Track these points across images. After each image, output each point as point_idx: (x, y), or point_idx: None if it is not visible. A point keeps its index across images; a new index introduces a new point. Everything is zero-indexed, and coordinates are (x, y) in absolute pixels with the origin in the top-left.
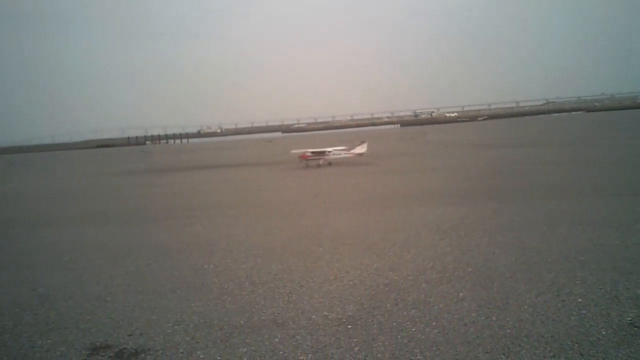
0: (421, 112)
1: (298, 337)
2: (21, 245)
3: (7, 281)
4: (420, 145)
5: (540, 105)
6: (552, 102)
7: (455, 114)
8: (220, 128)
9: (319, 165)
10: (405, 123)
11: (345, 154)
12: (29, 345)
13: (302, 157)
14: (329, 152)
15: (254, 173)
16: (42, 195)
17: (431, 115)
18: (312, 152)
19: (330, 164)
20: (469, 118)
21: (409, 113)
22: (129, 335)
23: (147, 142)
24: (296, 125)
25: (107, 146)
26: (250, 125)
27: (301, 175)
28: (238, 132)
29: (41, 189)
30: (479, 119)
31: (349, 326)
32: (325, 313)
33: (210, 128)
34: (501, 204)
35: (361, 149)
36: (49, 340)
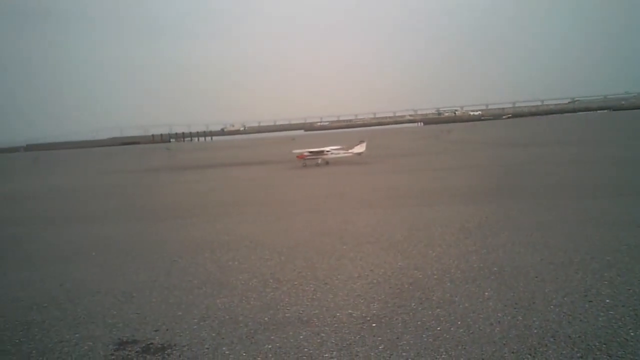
0: (444, 110)
1: (323, 334)
2: (49, 241)
3: (36, 276)
4: (444, 143)
5: (566, 103)
6: (578, 100)
7: (479, 112)
8: (244, 126)
9: (317, 165)
10: (428, 121)
11: (344, 153)
12: (58, 339)
13: (300, 157)
14: (327, 151)
15: (277, 170)
16: (69, 191)
17: (455, 113)
18: (310, 152)
19: (327, 163)
20: (493, 116)
21: (432, 111)
22: (155, 331)
23: (171, 140)
24: (319, 124)
25: (132, 144)
26: (273, 124)
27: (322, 173)
28: (261, 130)
29: (67, 185)
30: (503, 117)
31: (374, 324)
32: (350, 311)
33: (233, 126)
34: (527, 202)
35: (360, 148)
36: (76, 335)
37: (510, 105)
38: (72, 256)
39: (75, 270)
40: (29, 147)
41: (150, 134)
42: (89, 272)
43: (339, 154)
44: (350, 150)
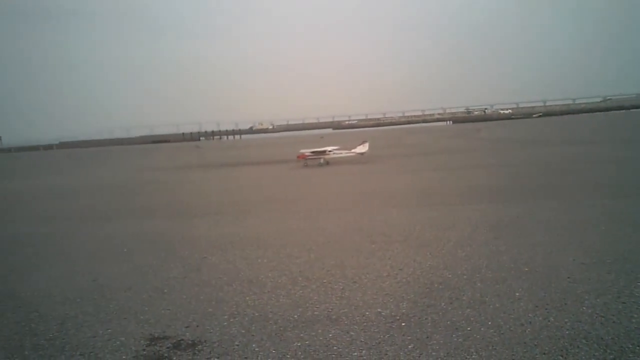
0: (474, 109)
1: (352, 333)
2: (83, 237)
3: (70, 272)
4: (473, 141)
5: (598, 102)
6: (610, 99)
7: (509, 110)
8: (272, 125)
9: (320, 165)
10: (457, 120)
11: (346, 153)
12: (91, 334)
13: (301, 157)
14: (329, 151)
15: (306, 168)
16: (100, 189)
17: (484, 112)
18: (312, 152)
19: (327, 163)
20: (523, 115)
21: (462, 110)
22: (186, 327)
23: (200, 138)
24: (347, 122)
25: (163, 142)
26: (301, 122)
27: (351, 171)
28: (289, 128)
29: (100, 182)
30: (534, 115)
31: (403, 323)
32: (379, 310)
33: (262, 125)
34: (558, 202)
35: (362, 148)
36: (109, 330)
37: (541, 104)
38: (104, 252)
39: (108, 266)
40: (62, 145)
41: (180, 132)
42: (121, 268)
43: (340, 154)
44: (353, 150)
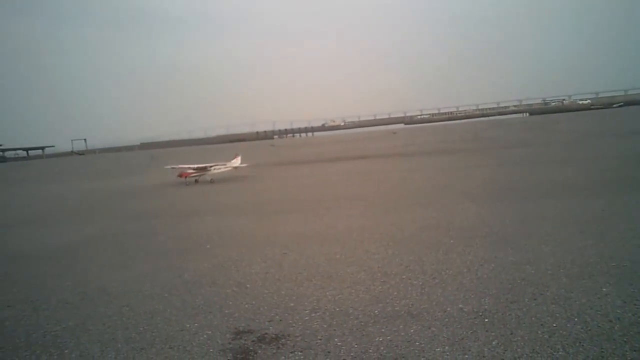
0: (551, 100)
1: (433, 328)
2: (169, 235)
3: (158, 268)
4: (552, 134)
5: None
6: None
7: (588, 100)
8: (344, 121)
9: (196, 182)
10: (534, 111)
11: (224, 168)
12: (179, 328)
13: (184, 175)
14: (210, 167)
15: (379, 165)
16: (179, 188)
17: (562, 102)
18: (194, 169)
19: (212, 180)
20: (603, 105)
21: (538, 101)
22: (269, 321)
23: (274, 137)
24: (419, 117)
25: (238, 140)
26: (372, 118)
27: (429, 166)
28: (361, 124)
29: (180, 181)
30: (614, 105)
31: (486, 320)
32: (461, 306)
33: (334, 121)
34: None
35: (236, 162)
36: (195, 324)
37: (622, 93)
38: (189, 249)
39: (193, 262)
40: (143, 146)
41: (255, 130)
42: (205, 264)
43: (220, 169)
44: (228, 164)
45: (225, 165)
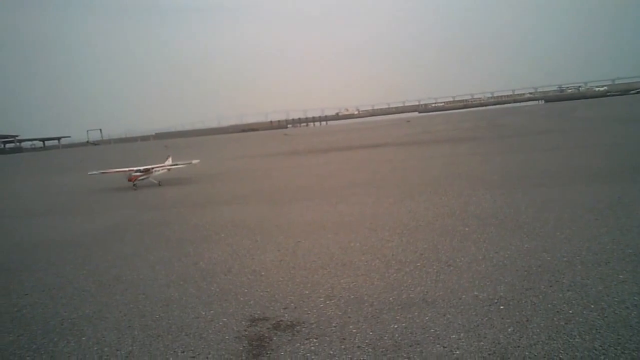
0: (567, 87)
1: (449, 315)
2: (185, 223)
3: (173, 256)
4: (568, 121)
5: None
6: None
7: (605, 87)
8: (358, 110)
9: (134, 186)
10: (550, 99)
11: (161, 170)
12: (194, 315)
13: (132, 179)
14: (153, 169)
15: (393, 153)
16: (192, 178)
17: (579, 89)
18: (141, 171)
19: (159, 184)
20: (620, 92)
21: (554, 88)
22: (284, 309)
23: (288, 126)
24: (434, 105)
25: (252, 130)
26: (386, 106)
27: (438, 154)
28: (375, 113)
29: (194, 171)
30: (632, 92)
31: (501, 307)
32: (476, 293)
33: (348, 110)
34: None
35: (168, 162)
36: (211, 312)
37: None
38: (203, 237)
39: (208, 250)
40: (158, 135)
41: (268, 120)
42: (220, 252)
43: (159, 170)
44: (163, 166)
45: (163, 166)
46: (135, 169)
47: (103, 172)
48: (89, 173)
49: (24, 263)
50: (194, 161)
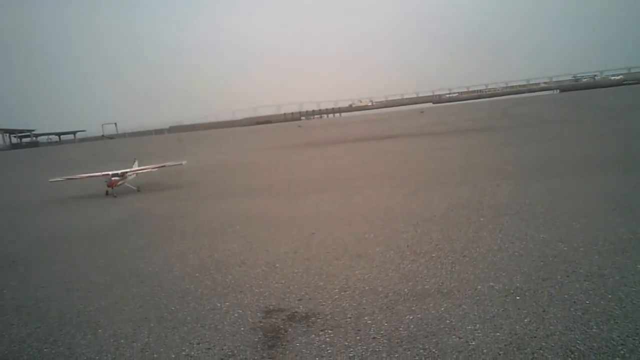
0: (582, 76)
1: (464, 306)
2: (200, 215)
3: (189, 248)
4: (584, 110)
5: None
6: None
7: (621, 76)
8: (371, 101)
9: (107, 194)
10: (565, 88)
11: (133, 173)
12: (210, 307)
13: (112, 184)
14: (128, 173)
15: (408, 144)
16: (205, 170)
17: (594, 78)
18: (119, 175)
19: (138, 190)
20: (636, 80)
21: (569, 77)
22: (299, 300)
23: (302, 118)
24: (448, 95)
25: (265, 122)
26: (400, 97)
27: (452, 145)
28: (389, 104)
29: (208, 162)
30: None
31: (517, 297)
32: (491, 284)
33: (361, 102)
34: None
35: (136, 166)
36: (226, 303)
37: None
38: (218, 230)
39: (222, 242)
40: (172, 129)
41: (282, 112)
42: (235, 245)
43: (132, 175)
44: (133, 170)
45: (132, 170)
46: (111, 172)
47: (68, 179)
48: (50, 180)
49: (40, 256)
50: (183, 162)
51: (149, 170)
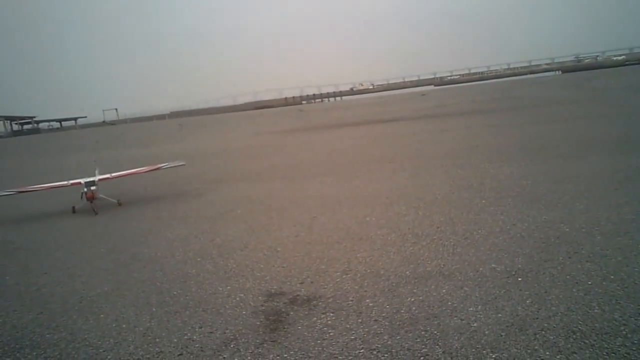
0: (584, 57)
1: (466, 288)
2: (200, 200)
3: (191, 233)
4: (585, 91)
5: None
6: None
7: (623, 56)
8: (372, 85)
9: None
10: (567, 69)
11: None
12: (212, 291)
13: (91, 195)
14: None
15: (408, 127)
16: (208, 155)
17: (596, 59)
18: (95, 183)
19: (120, 203)
20: (638, 60)
21: (571, 58)
22: (301, 284)
23: (303, 102)
24: (449, 77)
25: (266, 107)
26: (401, 80)
27: (454, 127)
28: (390, 87)
29: (209, 148)
30: None
31: (519, 279)
32: (493, 265)
33: (362, 85)
34: None
35: (98, 174)
36: (228, 287)
37: None
38: (220, 214)
39: (224, 227)
40: (173, 114)
41: (283, 97)
42: (237, 229)
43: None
44: (107, 177)
45: (114, 175)
46: (84, 180)
47: (20, 192)
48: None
49: (42, 241)
50: (182, 163)
51: (139, 173)
